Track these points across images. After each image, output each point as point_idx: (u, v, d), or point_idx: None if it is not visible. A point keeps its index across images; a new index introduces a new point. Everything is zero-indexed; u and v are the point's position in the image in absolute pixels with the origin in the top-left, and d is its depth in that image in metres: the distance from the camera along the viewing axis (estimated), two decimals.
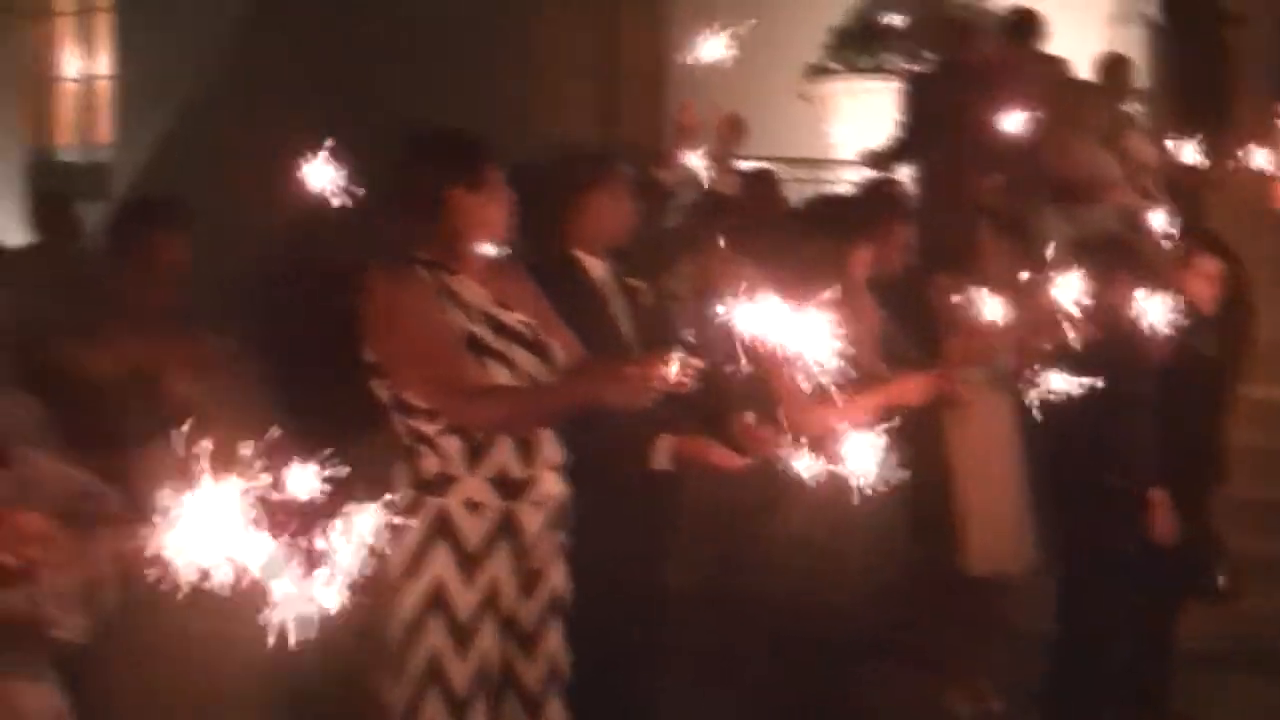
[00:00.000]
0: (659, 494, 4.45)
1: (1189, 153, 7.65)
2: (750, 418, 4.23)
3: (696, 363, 3.39)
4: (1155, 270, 5.54)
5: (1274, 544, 6.95)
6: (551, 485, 3.83)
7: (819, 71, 10.82)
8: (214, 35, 9.07)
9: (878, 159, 8.14)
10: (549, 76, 8.61)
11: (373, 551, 2.45)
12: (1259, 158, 7.25)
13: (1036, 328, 4.84)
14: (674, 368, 3.40)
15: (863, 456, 3.79)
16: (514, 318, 3.83)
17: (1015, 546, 5.66)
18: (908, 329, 5.02)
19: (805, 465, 3.87)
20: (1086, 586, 5.32)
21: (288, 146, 2.39)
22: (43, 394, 2.96)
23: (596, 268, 4.50)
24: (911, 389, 4.66)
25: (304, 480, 2.40)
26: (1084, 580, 5.33)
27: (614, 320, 4.46)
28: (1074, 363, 4.77)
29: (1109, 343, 5.05)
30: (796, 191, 8.03)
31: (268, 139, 2.42)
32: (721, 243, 5.51)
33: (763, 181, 7.91)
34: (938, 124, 7.78)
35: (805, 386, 3.54)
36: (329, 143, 2.43)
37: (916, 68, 9.12)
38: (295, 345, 4.76)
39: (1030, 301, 4.80)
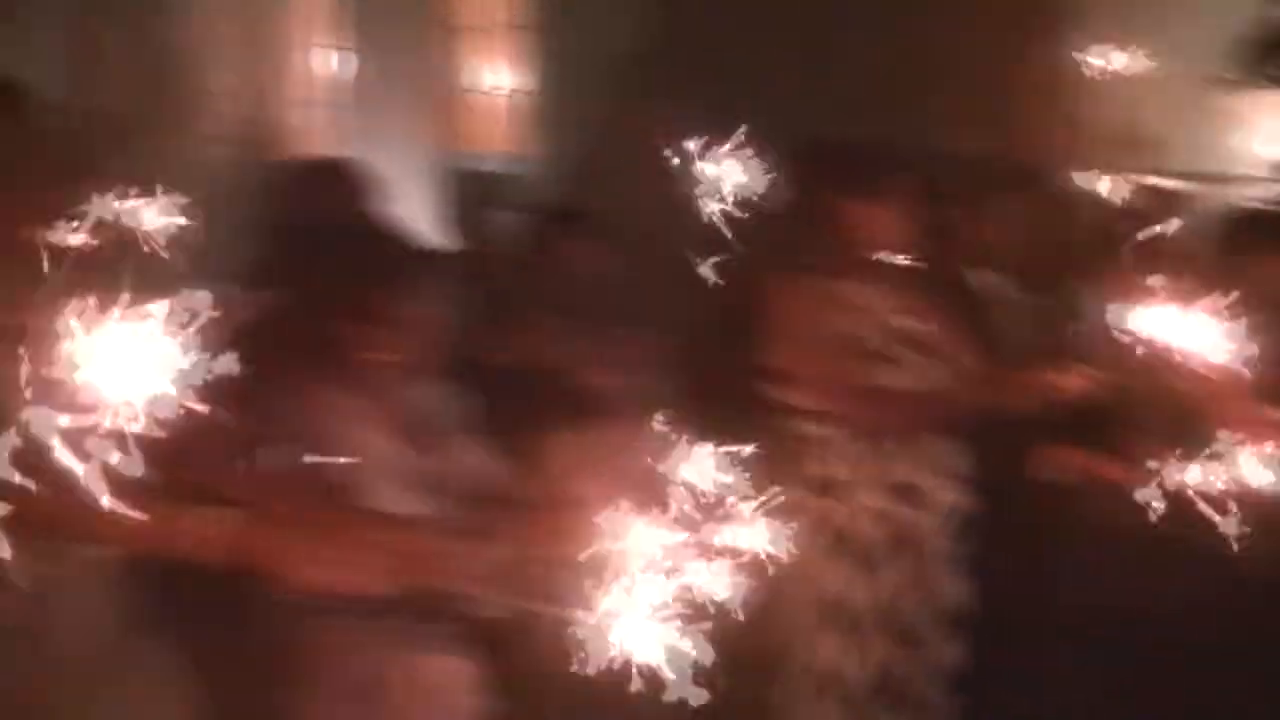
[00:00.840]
0: (1048, 506, 4.41)
1: None
2: (1138, 430, 4.15)
3: (1089, 372, 3.38)
4: None
5: None
6: (945, 492, 3.87)
7: (1226, 83, 10.44)
8: (631, 52, 9.35)
9: None
10: (950, 87, 8.57)
11: (765, 555, 2.53)
12: None
13: None
14: (1065, 377, 3.40)
15: (1261, 471, 3.64)
16: (908, 324, 3.87)
17: None
18: None
19: (1197, 480, 3.73)
20: None
21: (696, 156, 2.51)
22: (467, 385, 3.15)
23: (987, 278, 4.50)
24: None
25: (701, 477, 2.50)
26: None
27: (1001, 332, 4.45)
28: None
29: None
30: (1201, 207, 7.77)
31: (678, 149, 2.55)
32: (1122, 256, 5.41)
33: (1162, 196, 7.70)
34: None
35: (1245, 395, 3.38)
36: (738, 152, 2.55)
37: None
38: (693, 348, 4.90)
39: None
